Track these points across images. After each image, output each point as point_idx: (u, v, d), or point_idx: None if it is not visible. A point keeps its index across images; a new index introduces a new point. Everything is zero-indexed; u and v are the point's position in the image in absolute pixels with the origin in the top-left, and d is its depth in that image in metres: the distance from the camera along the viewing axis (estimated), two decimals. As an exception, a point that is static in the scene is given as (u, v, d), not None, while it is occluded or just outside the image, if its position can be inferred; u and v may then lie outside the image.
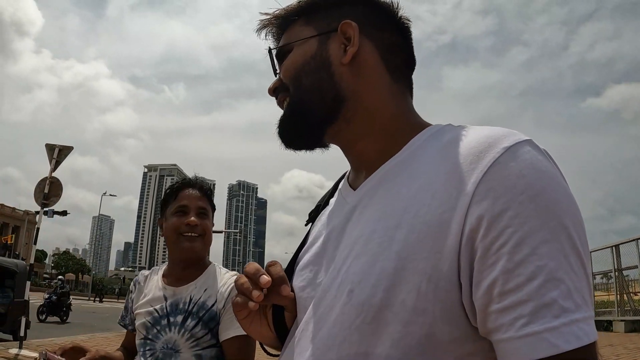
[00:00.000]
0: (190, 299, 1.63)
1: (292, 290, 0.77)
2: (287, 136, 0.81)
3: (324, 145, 0.82)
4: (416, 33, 0.84)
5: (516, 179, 0.57)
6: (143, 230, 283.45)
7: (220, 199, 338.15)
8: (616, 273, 11.84)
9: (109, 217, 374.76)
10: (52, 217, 18.64)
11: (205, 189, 1.77)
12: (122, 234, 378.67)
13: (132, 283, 1.85)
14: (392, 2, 0.82)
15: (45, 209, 9.42)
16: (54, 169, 9.18)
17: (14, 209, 72.22)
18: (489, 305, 0.55)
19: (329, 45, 0.78)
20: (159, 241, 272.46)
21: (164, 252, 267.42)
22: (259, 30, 0.86)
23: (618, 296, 11.70)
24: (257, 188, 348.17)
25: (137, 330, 1.67)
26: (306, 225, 0.93)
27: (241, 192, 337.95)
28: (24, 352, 7.92)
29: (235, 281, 0.73)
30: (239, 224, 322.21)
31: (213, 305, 1.62)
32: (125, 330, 1.84)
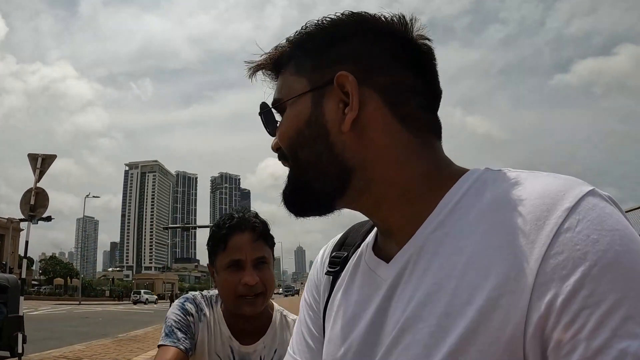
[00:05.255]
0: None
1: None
2: (293, 209, 0.71)
3: (336, 209, 0.72)
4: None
5: (585, 247, 0.49)
6: (128, 230, 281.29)
7: (204, 192, 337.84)
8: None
9: (93, 218, 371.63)
10: (37, 223, 18.29)
11: (259, 229, 1.46)
12: (107, 234, 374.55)
13: (192, 303, 1.53)
14: (400, 18, 0.67)
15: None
16: (38, 179, 8.96)
17: (-5, 217, 70.92)
18: None
19: (324, 105, 0.65)
20: (144, 239, 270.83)
21: (151, 250, 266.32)
22: (252, 74, 0.75)
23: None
24: (239, 179, 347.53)
25: None
26: (327, 274, 0.81)
27: (224, 184, 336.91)
28: (23, 368, 7.79)
29: None
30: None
31: None
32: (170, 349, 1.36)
